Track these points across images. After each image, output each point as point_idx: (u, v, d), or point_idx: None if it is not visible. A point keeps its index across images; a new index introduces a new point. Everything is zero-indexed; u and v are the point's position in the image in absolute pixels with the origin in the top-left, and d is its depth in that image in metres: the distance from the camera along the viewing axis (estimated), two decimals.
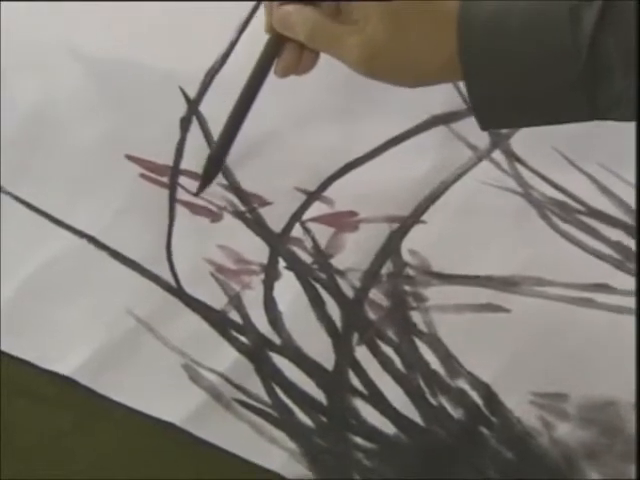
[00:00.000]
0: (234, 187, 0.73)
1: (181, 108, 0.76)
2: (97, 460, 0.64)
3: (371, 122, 0.75)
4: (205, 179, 0.59)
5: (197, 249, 0.71)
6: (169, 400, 0.65)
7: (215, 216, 0.72)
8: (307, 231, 0.71)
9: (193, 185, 0.72)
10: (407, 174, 0.72)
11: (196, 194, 0.64)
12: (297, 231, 0.71)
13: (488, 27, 0.50)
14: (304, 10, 0.55)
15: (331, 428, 0.64)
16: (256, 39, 0.78)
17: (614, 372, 0.63)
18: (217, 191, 0.73)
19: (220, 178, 0.73)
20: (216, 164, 0.59)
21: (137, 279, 0.70)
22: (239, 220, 0.72)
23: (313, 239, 0.71)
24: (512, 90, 0.51)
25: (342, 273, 0.69)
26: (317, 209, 0.72)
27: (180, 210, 0.72)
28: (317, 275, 0.69)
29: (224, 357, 0.66)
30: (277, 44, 0.57)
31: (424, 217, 0.71)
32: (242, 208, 0.72)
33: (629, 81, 0.48)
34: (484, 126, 0.53)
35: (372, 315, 0.68)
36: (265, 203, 0.72)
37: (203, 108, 0.76)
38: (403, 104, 0.73)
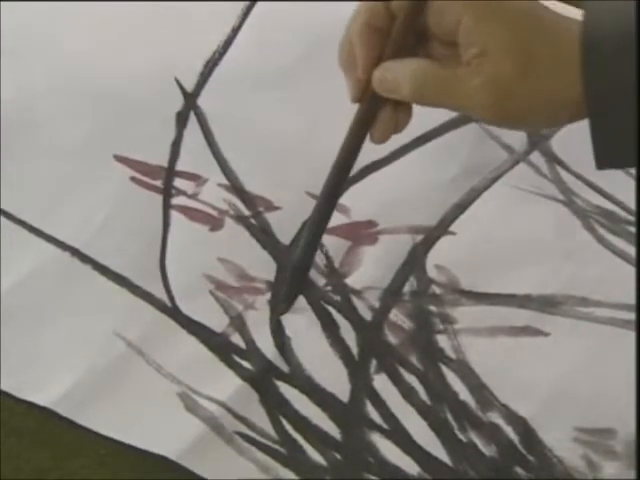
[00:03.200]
0: (237, 188, 0.72)
1: (177, 102, 0.75)
2: None
3: None
4: (291, 293, 0.58)
5: (195, 263, 0.69)
6: (163, 433, 0.63)
7: (215, 222, 0.70)
8: (319, 245, 0.68)
9: (190, 188, 0.71)
10: (433, 179, 0.71)
11: (281, 313, 0.64)
12: None
13: (617, 55, 0.48)
14: (408, 62, 0.52)
15: (346, 467, 0.62)
16: (261, 24, 0.79)
17: None
18: (218, 193, 0.71)
19: (221, 178, 0.72)
20: (301, 274, 0.57)
21: (127, 297, 0.68)
22: (242, 227, 0.70)
23: (327, 255, 0.69)
24: None
25: (359, 292, 0.67)
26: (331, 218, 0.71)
27: (176, 217, 0.71)
28: (330, 296, 0.67)
29: (225, 385, 0.65)
30: (372, 110, 0.53)
31: (452, 228, 0.70)
32: (246, 212, 0.71)
33: None
34: (602, 166, 0.51)
35: (393, 339, 0.66)
36: (272, 208, 0.71)
37: (201, 102, 0.75)
38: None
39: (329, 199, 0.55)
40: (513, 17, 0.49)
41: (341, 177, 0.54)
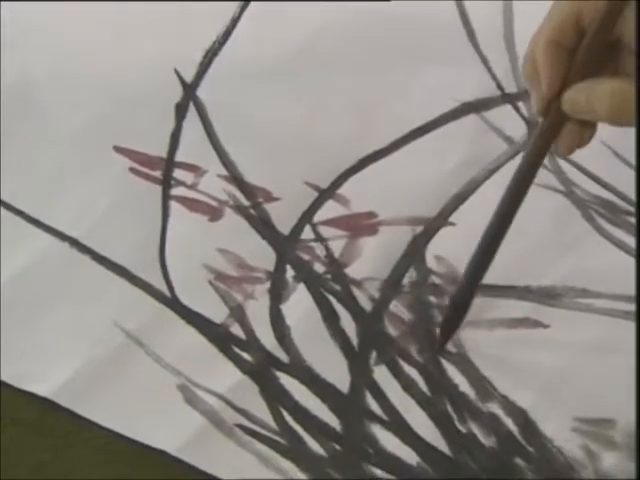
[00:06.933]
0: (236, 179, 0.72)
1: (176, 93, 0.75)
2: None
3: (392, 109, 0.73)
4: (446, 330, 0.57)
5: (194, 253, 0.69)
6: (162, 425, 0.63)
7: (215, 213, 0.71)
8: (319, 237, 0.69)
9: (189, 179, 0.71)
10: (433, 170, 0.71)
11: (437, 350, 0.64)
12: (307, 233, 0.69)
13: None
14: (603, 83, 0.49)
15: (346, 458, 0.62)
16: (261, 14, 0.79)
17: None
18: (217, 183, 0.71)
19: (220, 169, 0.72)
20: (461, 310, 0.56)
21: (126, 288, 0.68)
22: (242, 217, 0.70)
23: (326, 247, 0.69)
24: None
25: (359, 283, 0.67)
26: (331, 209, 0.70)
27: (175, 208, 0.71)
28: (330, 286, 0.67)
29: (225, 377, 0.65)
30: (557, 125, 0.53)
31: (452, 219, 0.69)
32: (245, 203, 0.71)
33: None
34: None
35: (393, 330, 0.66)
36: (272, 199, 0.71)
37: (201, 93, 0.75)
38: (429, 89, 0.72)
39: (503, 225, 0.55)
40: None
41: (516, 199, 0.54)
